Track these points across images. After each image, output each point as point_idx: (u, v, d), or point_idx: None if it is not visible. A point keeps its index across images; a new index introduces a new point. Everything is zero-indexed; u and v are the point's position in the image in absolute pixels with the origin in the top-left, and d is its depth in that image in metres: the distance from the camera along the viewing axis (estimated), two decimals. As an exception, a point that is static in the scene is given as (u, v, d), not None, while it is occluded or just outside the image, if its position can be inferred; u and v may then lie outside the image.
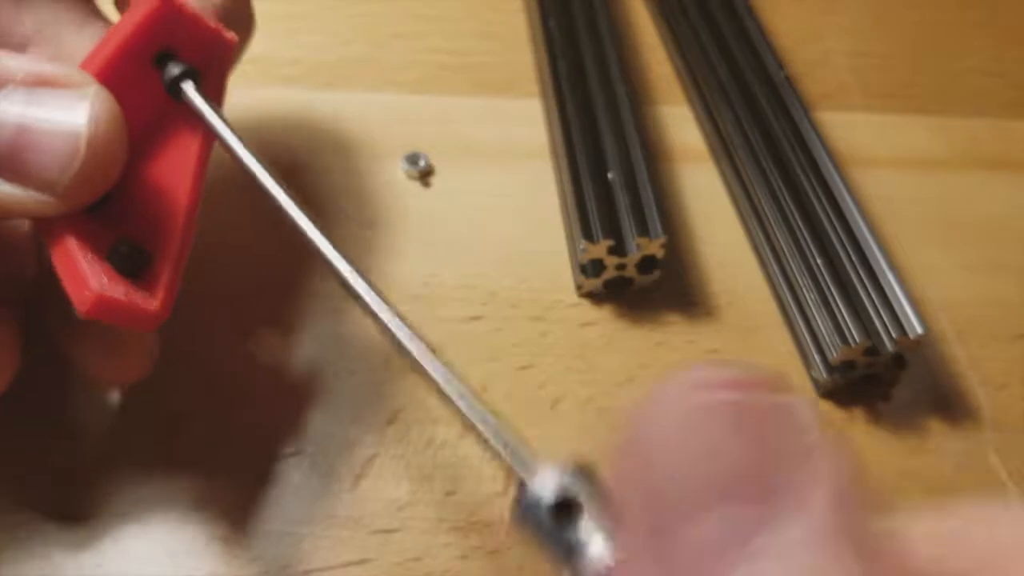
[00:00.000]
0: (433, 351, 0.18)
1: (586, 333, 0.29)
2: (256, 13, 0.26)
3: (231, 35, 0.22)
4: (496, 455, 0.16)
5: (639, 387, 0.27)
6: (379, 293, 0.19)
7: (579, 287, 0.29)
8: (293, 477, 0.25)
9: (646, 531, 0.11)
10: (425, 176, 0.33)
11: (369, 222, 0.31)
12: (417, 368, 0.18)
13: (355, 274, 0.19)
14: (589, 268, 0.29)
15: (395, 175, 0.33)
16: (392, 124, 0.34)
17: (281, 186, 0.20)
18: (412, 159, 0.32)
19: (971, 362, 0.28)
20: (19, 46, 0.24)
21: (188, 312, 0.28)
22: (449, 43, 0.38)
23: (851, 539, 0.10)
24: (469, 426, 0.16)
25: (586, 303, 0.29)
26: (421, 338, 0.18)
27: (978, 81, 0.38)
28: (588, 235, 0.28)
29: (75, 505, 0.24)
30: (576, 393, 0.27)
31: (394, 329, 0.18)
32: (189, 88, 0.21)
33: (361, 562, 0.23)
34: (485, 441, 0.16)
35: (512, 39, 0.38)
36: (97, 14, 0.25)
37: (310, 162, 0.33)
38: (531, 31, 0.38)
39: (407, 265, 0.30)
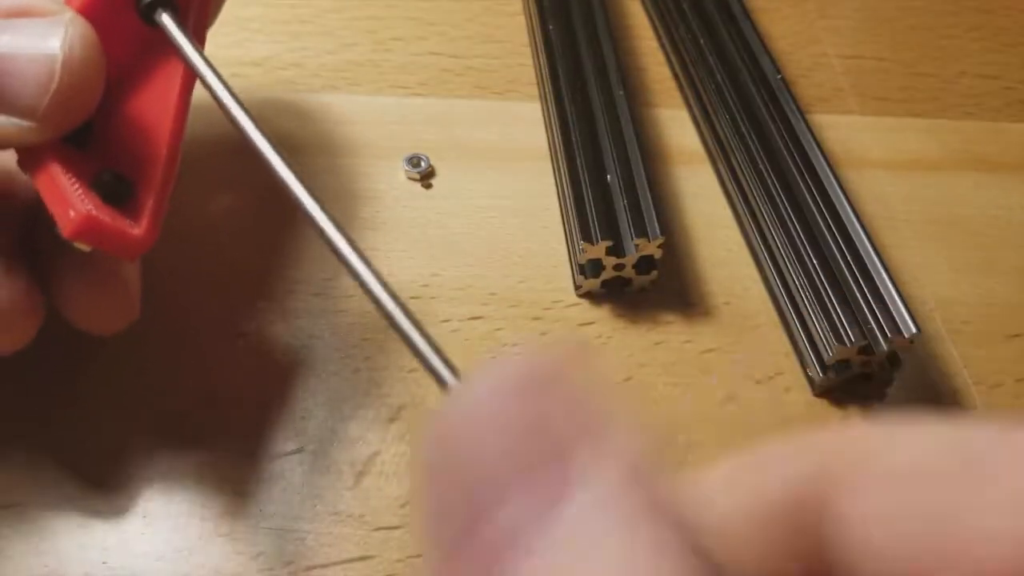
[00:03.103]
0: (355, 246, 0.17)
1: (585, 333, 0.29)
2: (258, 16, 0.27)
3: None
4: (423, 361, 0.16)
5: (637, 386, 0.28)
6: (338, 226, 0.18)
7: (578, 287, 0.30)
8: (296, 474, 0.25)
9: (449, 535, 0.11)
10: (426, 178, 0.33)
11: (370, 223, 0.31)
12: (353, 275, 0.17)
13: (323, 214, 0.18)
14: (588, 268, 0.29)
15: (396, 177, 0.33)
16: (393, 126, 0.35)
17: (253, 120, 0.20)
18: (413, 161, 0.33)
19: (965, 361, 0.29)
20: None
21: (190, 311, 0.28)
22: (450, 46, 0.38)
23: (645, 516, 0.10)
24: (401, 334, 0.16)
25: (585, 303, 0.30)
26: (350, 240, 0.17)
27: (972, 84, 0.38)
28: (587, 236, 0.28)
29: (80, 502, 0.24)
30: (575, 392, 0.27)
31: (331, 238, 0.18)
32: (165, 16, 0.22)
33: (363, 559, 0.24)
34: (414, 348, 0.16)
35: (512, 42, 0.39)
36: None
37: (312, 164, 0.33)
38: (531, 35, 0.38)
39: (408, 265, 0.30)
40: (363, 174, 0.33)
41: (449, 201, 0.32)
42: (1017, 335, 0.30)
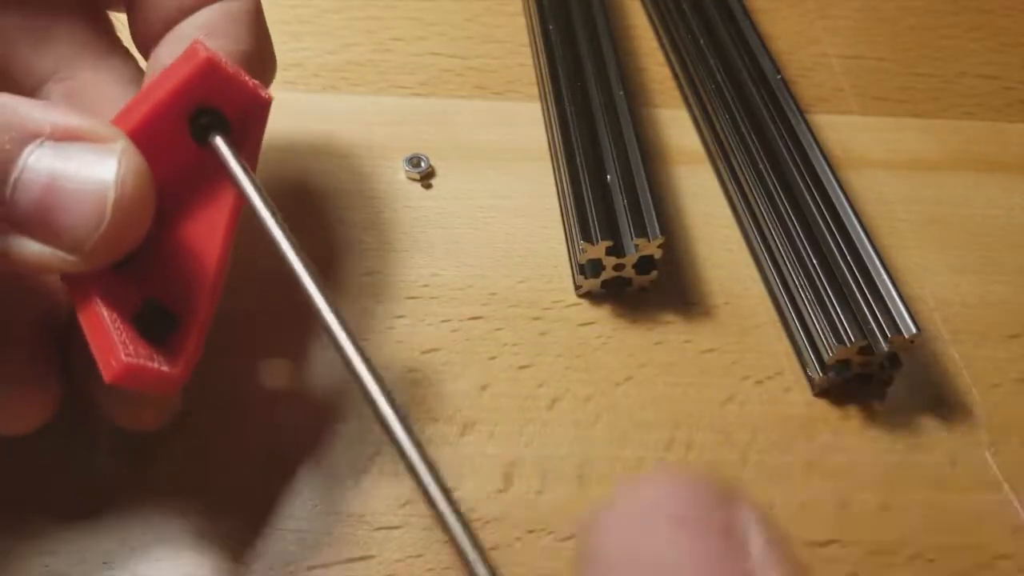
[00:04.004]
0: (429, 462, 0.17)
1: (585, 333, 0.29)
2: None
3: (268, 94, 0.22)
4: (466, 565, 0.16)
5: (637, 386, 0.28)
6: (392, 400, 0.18)
7: (578, 287, 0.30)
8: (296, 474, 0.25)
9: None
10: (426, 178, 0.33)
11: (370, 223, 0.31)
12: (408, 469, 0.17)
13: (369, 374, 0.19)
14: (588, 268, 0.29)
15: (397, 177, 0.33)
16: (393, 126, 0.35)
17: (301, 257, 0.20)
18: (413, 161, 0.33)
19: (965, 362, 0.29)
20: (36, 84, 0.23)
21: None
22: (450, 47, 0.38)
23: None
24: (448, 535, 0.16)
25: (585, 303, 0.30)
26: (423, 451, 0.18)
27: (972, 84, 0.38)
28: (587, 236, 0.28)
29: (80, 502, 0.24)
30: (575, 392, 0.27)
31: (404, 446, 0.18)
32: (217, 139, 0.21)
33: (363, 558, 0.24)
34: (459, 550, 0.16)
35: (512, 43, 0.39)
36: (116, 46, 0.25)
37: (312, 164, 0.33)
38: (531, 35, 0.38)
39: (408, 265, 0.30)
40: (363, 174, 0.33)
41: (449, 201, 0.32)
42: (1017, 335, 0.30)
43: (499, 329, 0.29)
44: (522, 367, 0.28)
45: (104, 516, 0.24)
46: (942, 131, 0.36)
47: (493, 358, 0.28)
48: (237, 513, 0.24)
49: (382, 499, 0.25)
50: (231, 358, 0.27)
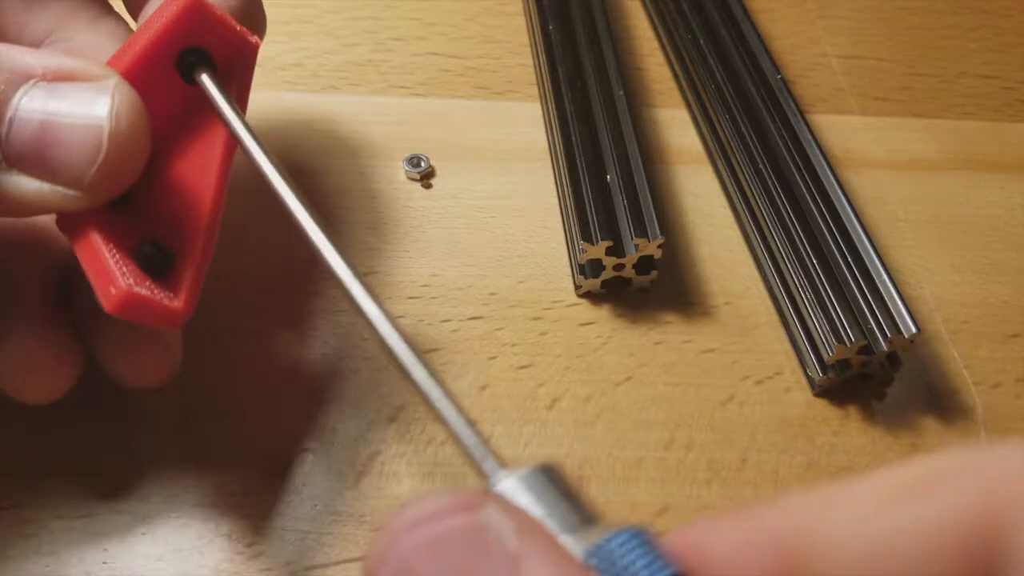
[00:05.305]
0: (416, 351, 0.17)
1: (585, 333, 0.29)
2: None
3: (255, 38, 0.22)
4: (465, 455, 0.16)
5: (637, 386, 0.28)
6: (378, 301, 0.18)
7: (578, 287, 0.30)
8: (296, 474, 0.25)
9: None
10: (426, 178, 0.33)
11: (371, 223, 0.31)
12: (400, 368, 0.17)
13: (358, 285, 0.19)
14: (588, 268, 0.29)
15: (397, 177, 0.33)
16: (394, 126, 0.35)
17: (290, 185, 0.20)
18: (413, 161, 0.33)
19: (965, 361, 0.29)
20: (31, 46, 0.24)
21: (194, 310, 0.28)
22: (450, 47, 0.38)
23: None
24: (445, 427, 0.16)
25: (585, 303, 0.30)
26: (407, 338, 0.18)
27: (972, 84, 0.38)
28: (587, 236, 0.28)
29: (80, 502, 0.24)
30: (575, 392, 0.27)
31: (381, 332, 0.18)
32: (204, 76, 0.21)
33: (363, 558, 0.24)
34: (456, 440, 0.16)
35: (512, 43, 0.39)
36: (109, 11, 0.25)
37: (312, 164, 0.33)
38: (531, 35, 0.38)
39: (408, 265, 0.30)
40: (363, 174, 0.33)
41: (449, 201, 0.32)
42: (1017, 335, 0.30)
43: (499, 329, 0.29)
44: (522, 367, 0.28)
45: (104, 515, 0.24)
46: (942, 131, 0.36)
47: (493, 358, 0.28)
48: (237, 513, 0.24)
49: (382, 499, 0.25)
50: (230, 357, 0.27)
